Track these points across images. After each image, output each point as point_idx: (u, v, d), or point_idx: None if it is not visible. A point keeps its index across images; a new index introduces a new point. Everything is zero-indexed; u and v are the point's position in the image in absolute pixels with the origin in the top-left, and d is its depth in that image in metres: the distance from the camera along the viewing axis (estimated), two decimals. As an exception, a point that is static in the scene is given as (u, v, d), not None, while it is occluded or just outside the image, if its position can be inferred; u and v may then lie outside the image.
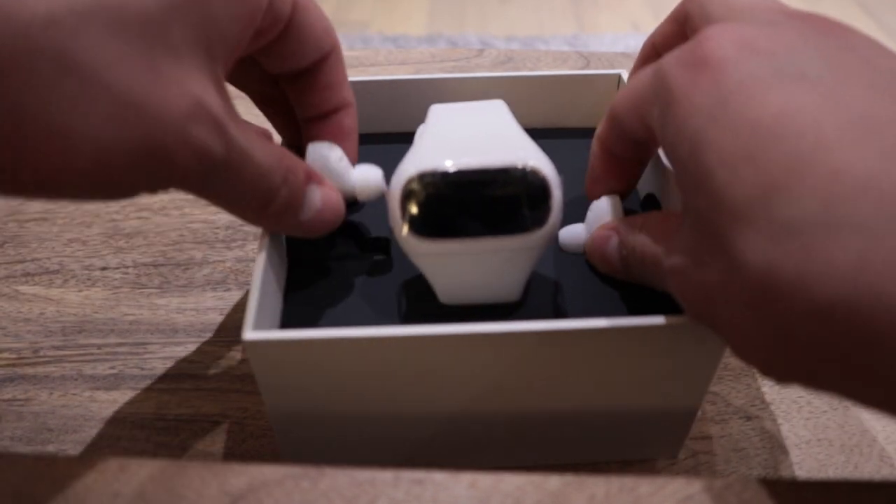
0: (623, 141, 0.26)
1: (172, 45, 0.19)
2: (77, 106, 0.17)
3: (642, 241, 0.24)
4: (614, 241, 0.26)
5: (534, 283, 0.27)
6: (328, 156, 0.27)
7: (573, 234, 0.28)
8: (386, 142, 0.35)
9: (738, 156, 0.18)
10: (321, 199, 0.25)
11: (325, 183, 0.25)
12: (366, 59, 0.51)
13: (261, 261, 0.24)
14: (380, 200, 0.28)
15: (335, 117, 0.28)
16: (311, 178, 0.25)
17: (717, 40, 0.20)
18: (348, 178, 0.27)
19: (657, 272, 0.23)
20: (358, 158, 0.29)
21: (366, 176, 0.27)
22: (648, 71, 0.22)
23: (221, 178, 0.21)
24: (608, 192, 0.28)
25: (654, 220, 0.24)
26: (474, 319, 0.22)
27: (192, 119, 0.19)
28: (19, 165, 0.17)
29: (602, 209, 0.27)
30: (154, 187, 0.20)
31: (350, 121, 0.28)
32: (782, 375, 0.18)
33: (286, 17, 0.24)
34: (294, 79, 0.27)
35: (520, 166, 0.23)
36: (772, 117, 0.18)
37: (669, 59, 0.21)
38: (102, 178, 0.18)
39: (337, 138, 0.28)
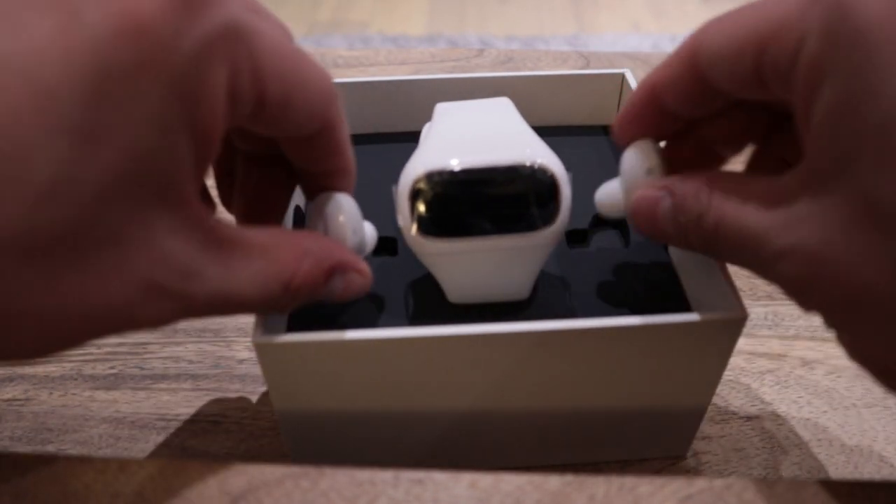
0: (692, 90, 0.21)
1: (106, 238, 0.16)
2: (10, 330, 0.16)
3: (734, 210, 0.20)
4: (667, 204, 0.22)
5: (542, 280, 0.27)
6: (354, 209, 0.24)
7: (609, 193, 0.24)
8: (386, 142, 0.35)
9: None
10: (343, 289, 0.22)
11: (348, 266, 0.22)
12: (366, 59, 0.51)
13: None
14: (387, 200, 0.27)
15: (334, 181, 0.25)
16: (335, 269, 0.22)
17: None
18: (363, 232, 0.25)
19: (756, 249, 0.19)
20: (356, 166, 0.28)
21: (371, 234, 0.26)
22: (790, 2, 0.18)
23: (198, 315, 0.19)
24: (640, 137, 0.24)
25: (755, 185, 0.20)
26: (483, 318, 0.22)
27: (137, 305, 0.17)
28: None
29: (636, 160, 0.23)
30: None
31: (348, 183, 0.25)
32: None
33: (256, 98, 0.19)
34: (294, 142, 0.24)
35: (528, 164, 0.23)
36: None
37: None
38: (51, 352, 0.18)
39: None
